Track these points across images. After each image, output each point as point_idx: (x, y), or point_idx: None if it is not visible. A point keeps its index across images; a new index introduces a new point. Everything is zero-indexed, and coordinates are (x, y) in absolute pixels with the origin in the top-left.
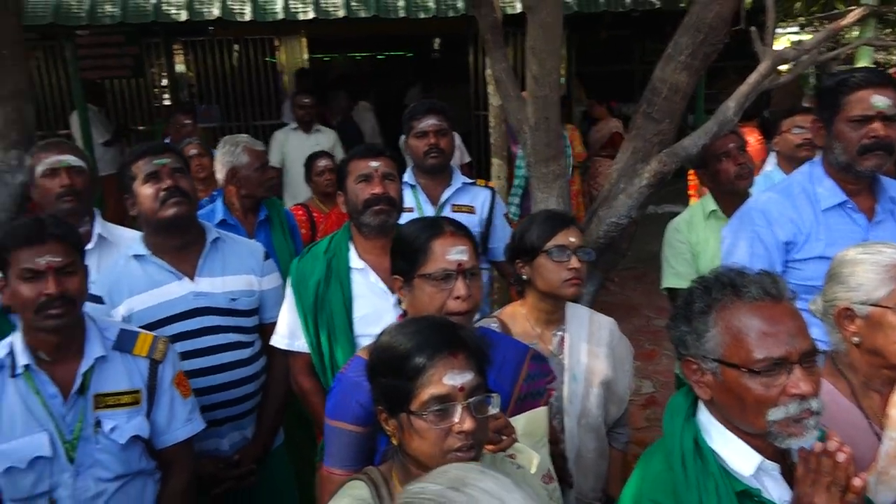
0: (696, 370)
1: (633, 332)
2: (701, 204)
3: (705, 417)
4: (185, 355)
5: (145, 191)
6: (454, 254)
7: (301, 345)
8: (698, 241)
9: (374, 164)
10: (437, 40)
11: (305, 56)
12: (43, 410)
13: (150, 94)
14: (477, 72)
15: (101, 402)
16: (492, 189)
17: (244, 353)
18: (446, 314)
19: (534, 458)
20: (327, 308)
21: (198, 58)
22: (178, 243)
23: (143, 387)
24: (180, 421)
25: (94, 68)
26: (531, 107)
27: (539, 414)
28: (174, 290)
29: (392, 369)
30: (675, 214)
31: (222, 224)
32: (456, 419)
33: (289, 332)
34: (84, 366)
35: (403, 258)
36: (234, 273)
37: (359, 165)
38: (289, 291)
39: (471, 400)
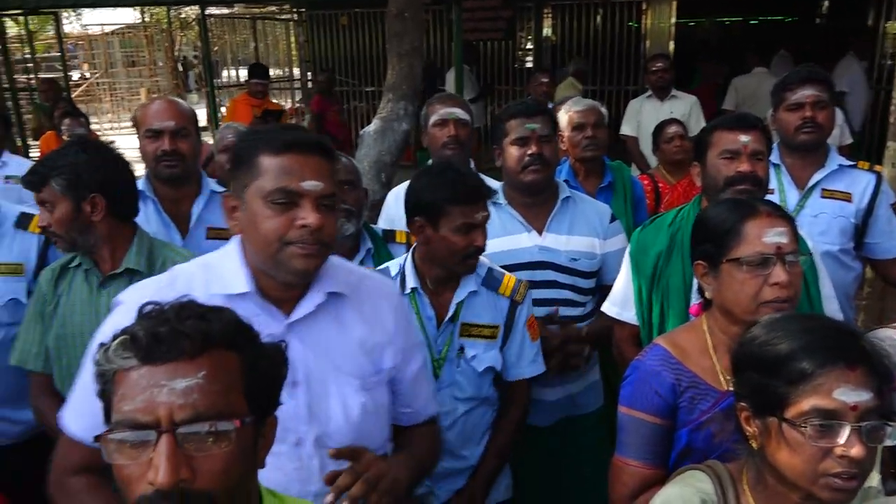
0: None
1: None
2: None
3: None
4: None
5: (512, 151)
6: (772, 236)
7: (630, 316)
8: None
9: (743, 138)
10: (826, 2)
11: (673, 20)
12: (419, 329)
13: (514, 56)
14: (880, 39)
15: (466, 331)
16: (877, 174)
17: (575, 311)
18: (761, 304)
19: None
20: (664, 282)
21: (564, 22)
22: (533, 200)
23: (502, 323)
24: (527, 360)
25: (473, 30)
26: None
27: None
28: (522, 241)
29: (767, 367)
30: None
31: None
32: (841, 441)
33: (621, 301)
34: (458, 297)
35: (710, 241)
36: (578, 233)
37: (725, 138)
38: (627, 260)
39: (864, 424)
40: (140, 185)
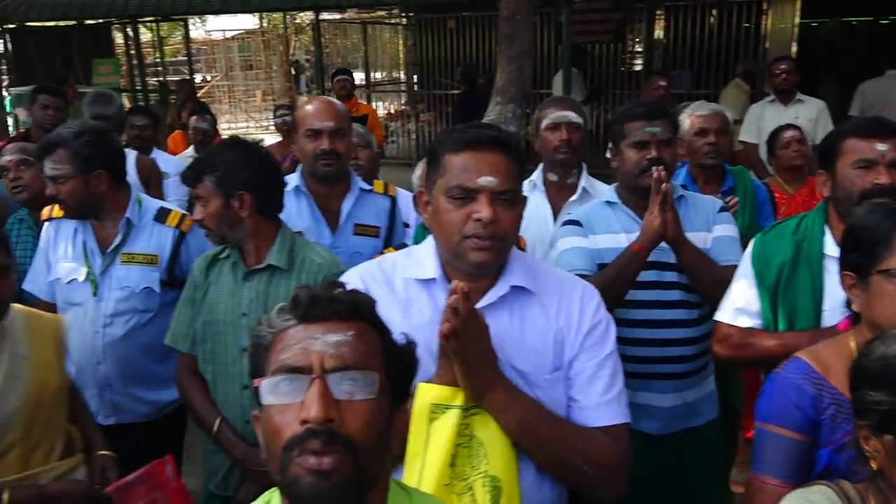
0: None
1: None
2: None
3: None
4: (634, 304)
5: (630, 155)
6: None
7: (745, 322)
8: None
9: (881, 146)
10: None
11: (796, 20)
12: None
13: (621, 59)
14: None
15: None
16: None
17: (690, 314)
18: None
19: None
20: (790, 296)
21: (677, 23)
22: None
23: None
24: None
25: (581, 33)
26: None
27: None
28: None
29: (885, 384)
30: None
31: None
32: None
33: (738, 308)
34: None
35: (859, 250)
36: (690, 230)
37: (860, 146)
38: (747, 268)
39: None
40: (295, 180)
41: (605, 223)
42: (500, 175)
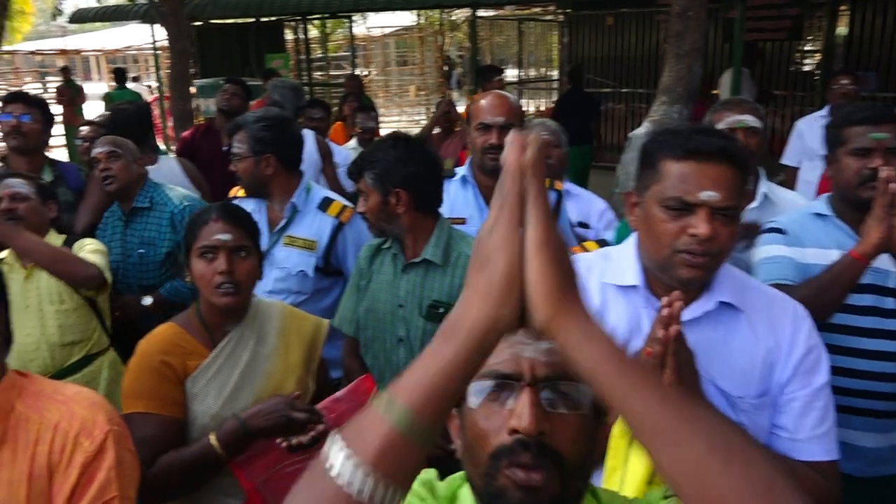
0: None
1: None
2: None
3: None
4: (843, 329)
5: (850, 163)
6: None
7: None
8: None
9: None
10: None
11: None
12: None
13: (792, 58)
14: None
15: None
16: None
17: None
18: None
19: None
20: None
21: (863, 20)
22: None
23: None
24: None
25: (753, 30)
26: None
27: None
28: None
29: None
30: None
31: None
32: None
33: None
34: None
35: None
36: None
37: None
38: None
39: None
40: (464, 170)
41: (813, 236)
42: (723, 189)
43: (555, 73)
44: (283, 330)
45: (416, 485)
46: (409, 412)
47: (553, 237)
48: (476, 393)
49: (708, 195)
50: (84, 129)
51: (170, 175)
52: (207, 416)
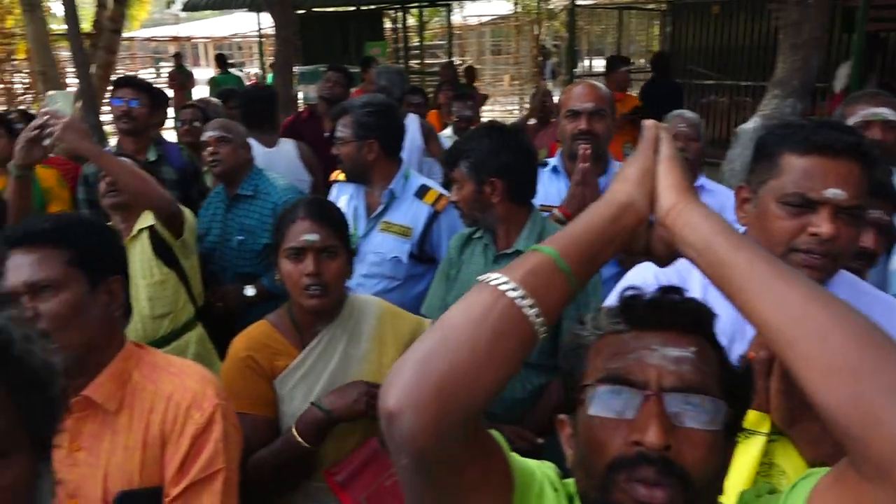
0: None
1: None
2: None
3: None
4: None
5: None
6: None
7: None
8: None
9: None
10: None
11: None
12: None
13: None
14: None
15: None
16: None
17: None
18: None
19: None
20: None
21: None
22: None
23: None
24: None
25: (875, 19)
26: None
27: None
28: None
29: None
30: None
31: None
32: None
33: None
34: None
35: None
36: None
37: None
38: None
39: None
40: (555, 161)
41: None
42: (850, 188)
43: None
44: (378, 331)
45: (551, 472)
46: (555, 251)
47: (678, 157)
48: (595, 398)
49: (833, 193)
50: (184, 112)
51: (286, 157)
52: (294, 419)
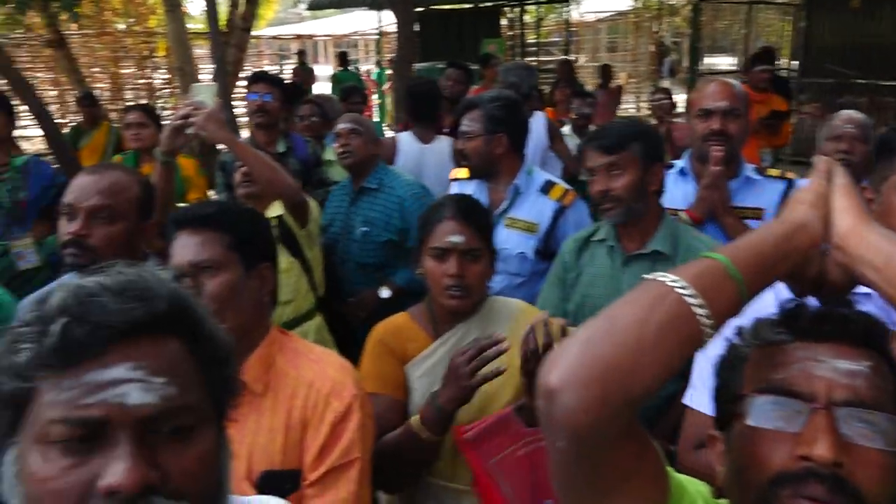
0: None
1: None
2: None
3: None
4: None
5: None
6: None
7: None
8: None
9: None
10: None
11: None
12: None
13: None
14: None
15: None
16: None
17: None
18: None
19: None
20: None
21: None
22: None
23: None
24: None
25: None
26: None
27: None
28: None
29: None
30: None
31: None
32: None
33: None
34: None
35: None
36: None
37: None
38: None
39: None
40: (682, 163)
41: None
42: None
43: (786, 62)
44: (514, 331)
45: (703, 489)
46: (726, 258)
47: (853, 185)
48: (754, 408)
49: None
50: (303, 108)
51: (438, 154)
52: (416, 410)
